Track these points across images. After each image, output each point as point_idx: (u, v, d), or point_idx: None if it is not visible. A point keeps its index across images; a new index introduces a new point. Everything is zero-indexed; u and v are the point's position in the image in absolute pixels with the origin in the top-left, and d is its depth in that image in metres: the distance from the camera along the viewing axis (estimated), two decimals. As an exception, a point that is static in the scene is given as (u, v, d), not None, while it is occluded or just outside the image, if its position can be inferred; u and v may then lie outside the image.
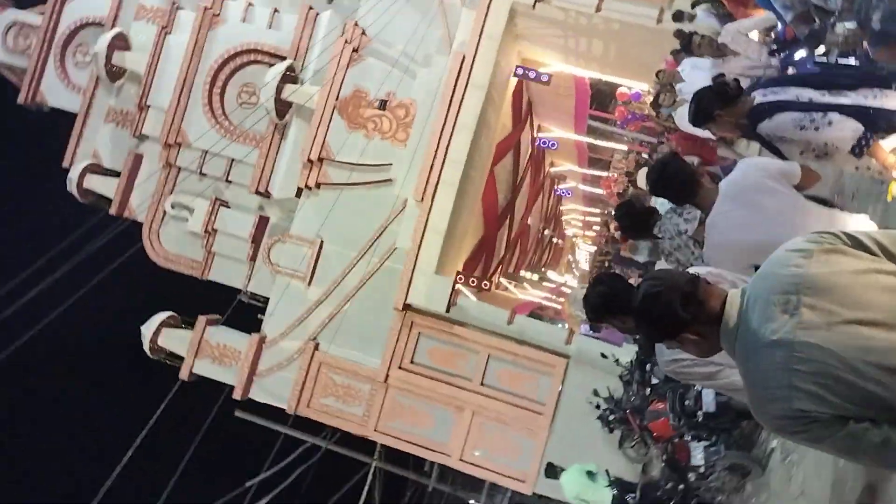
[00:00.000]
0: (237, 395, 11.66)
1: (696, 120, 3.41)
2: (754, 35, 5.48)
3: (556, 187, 25.37)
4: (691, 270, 2.95)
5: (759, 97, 3.28)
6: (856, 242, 1.94)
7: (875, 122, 3.07)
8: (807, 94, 3.18)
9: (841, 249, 1.92)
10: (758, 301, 1.93)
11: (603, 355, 9.42)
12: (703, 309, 2.00)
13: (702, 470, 5.90)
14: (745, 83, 3.41)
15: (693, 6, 8.14)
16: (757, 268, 2.10)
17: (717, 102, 3.30)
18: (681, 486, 5.89)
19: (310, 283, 11.73)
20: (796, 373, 1.81)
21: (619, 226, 4.44)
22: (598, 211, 27.76)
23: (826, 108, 3.09)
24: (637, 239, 4.52)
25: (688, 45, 6.04)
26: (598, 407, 9.71)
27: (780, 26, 4.83)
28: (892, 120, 3.10)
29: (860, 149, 2.98)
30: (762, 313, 1.90)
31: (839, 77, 3.36)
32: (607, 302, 3.06)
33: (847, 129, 3.04)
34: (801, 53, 4.57)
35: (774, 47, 5.05)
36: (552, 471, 9.22)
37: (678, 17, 7.53)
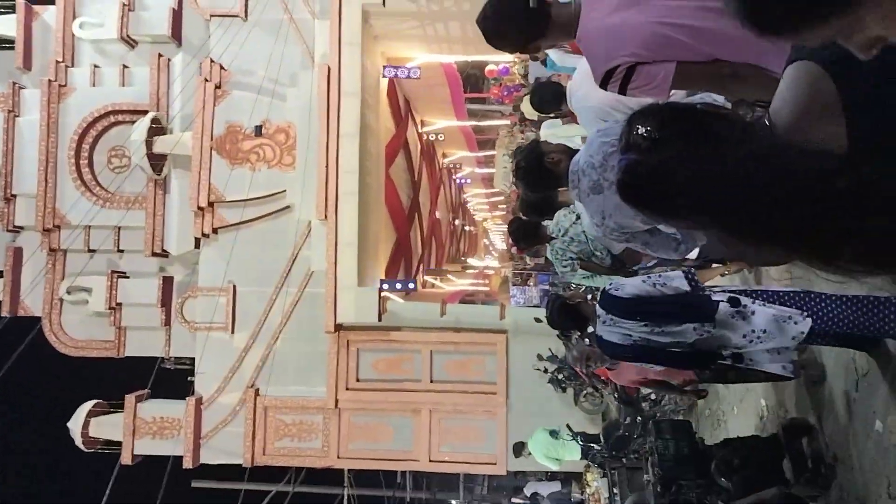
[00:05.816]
0: (188, 465, 11.14)
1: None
2: None
3: (453, 177, 25.57)
4: None
5: None
6: None
7: None
8: None
9: None
10: None
11: (537, 319, 9.47)
12: None
13: (653, 397, 6.04)
14: None
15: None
16: None
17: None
18: (638, 418, 6.02)
19: (233, 331, 11.36)
20: None
21: (512, 240, 4.58)
22: (498, 190, 28.15)
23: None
24: (531, 246, 4.59)
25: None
26: (545, 371, 9.84)
27: None
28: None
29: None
30: None
31: None
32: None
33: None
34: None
35: None
36: (518, 448, 9.31)
37: None
